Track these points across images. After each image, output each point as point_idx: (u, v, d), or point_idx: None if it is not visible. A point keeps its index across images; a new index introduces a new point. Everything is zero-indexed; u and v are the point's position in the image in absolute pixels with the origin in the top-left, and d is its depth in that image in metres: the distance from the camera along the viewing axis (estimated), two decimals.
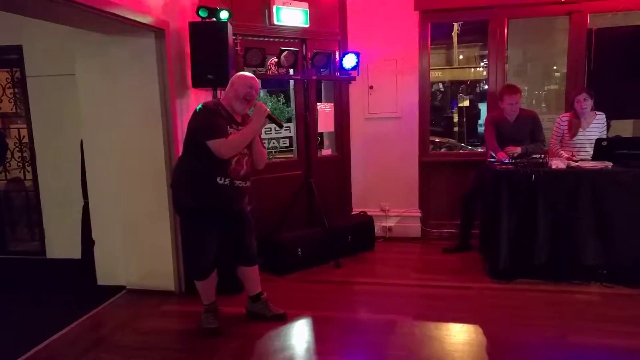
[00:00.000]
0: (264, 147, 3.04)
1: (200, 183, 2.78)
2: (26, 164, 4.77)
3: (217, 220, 2.89)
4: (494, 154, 4.08)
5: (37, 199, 4.63)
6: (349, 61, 4.46)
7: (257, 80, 2.88)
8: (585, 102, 3.90)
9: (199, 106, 2.82)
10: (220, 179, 2.77)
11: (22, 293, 3.87)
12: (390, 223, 5.00)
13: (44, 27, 3.52)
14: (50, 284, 4.04)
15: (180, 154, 3.02)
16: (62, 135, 4.33)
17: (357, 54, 4.46)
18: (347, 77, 4.64)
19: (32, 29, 4.16)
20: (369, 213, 4.80)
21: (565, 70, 4.74)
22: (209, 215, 2.85)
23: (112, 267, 3.80)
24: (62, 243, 4.51)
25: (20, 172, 4.86)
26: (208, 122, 2.72)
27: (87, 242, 3.92)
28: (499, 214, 3.64)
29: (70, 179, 4.16)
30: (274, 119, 2.93)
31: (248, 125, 2.82)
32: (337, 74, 4.69)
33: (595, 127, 4.00)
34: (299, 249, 4.10)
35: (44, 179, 4.57)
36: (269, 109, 2.84)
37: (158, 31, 3.40)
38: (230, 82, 2.87)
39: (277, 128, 4.56)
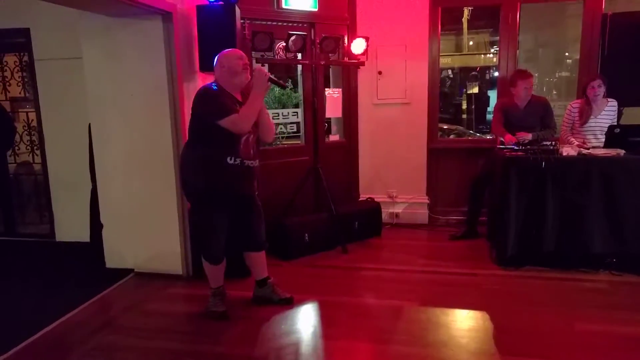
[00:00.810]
0: (271, 119, 3.00)
1: (210, 166, 2.77)
2: (35, 147, 4.80)
3: (228, 204, 2.89)
4: (501, 138, 4.03)
5: (46, 183, 4.66)
6: (358, 46, 4.41)
7: (240, 50, 2.90)
8: (599, 89, 3.84)
9: (202, 89, 2.80)
10: (231, 159, 2.76)
11: (31, 276, 3.91)
12: (398, 209, 4.98)
13: (51, 9, 3.51)
14: (59, 267, 4.08)
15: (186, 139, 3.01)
16: (70, 119, 4.34)
17: (366, 39, 4.40)
18: (355, 62, 4.60)
19: (40, 11, 4.15)
20: (376, 199, 4.79)
21: (577, 57, 4.66)
22: (220, 200, 2.84)
23: (121, 251, 3.83)
24: (71, 226, 4.55)
25: (29, 155, 4.89)
26: (216, 103, 2.70)
27: (96, 225, 3.95)
28: (508, 200, 3.62)
29: (78, 163, 4.17)
30: (275, 80, 2.87)
31: (252, 92, 2.77)
32: (346, 59, 4.64)
33: (607, 114, 3.94)
34: (306, 234, 4.10)
35: (52, 162, 4.60)
36: (268, 72, 2.80)
37: (165, 14, 3.38)
38: (218, 64, 2.82)
39: (285, 112, 4.57)
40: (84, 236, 4.22)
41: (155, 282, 3.62)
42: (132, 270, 3.80)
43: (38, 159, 4.78)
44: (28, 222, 5.02)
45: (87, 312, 3.18)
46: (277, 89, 4.71)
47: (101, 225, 3.87)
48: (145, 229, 3.69)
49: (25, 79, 4.74)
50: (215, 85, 2.81)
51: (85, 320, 3.07)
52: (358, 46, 4.41)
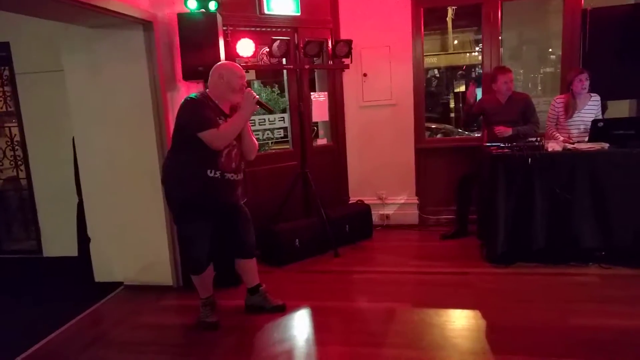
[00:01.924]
0: (255, 138, 3.00)
1: (190, 177, 2.75)
2: (19, 162, 4.73)
3: (209, 214, 2.86)
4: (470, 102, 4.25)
5: (32, 198, 4.59)
6: (342, 49, 4.42)
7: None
8: (586, 82, 3.88)
9: (186, 99, 2.78)
10: (211, 172, 2.74)
11: (19, 292, 3.85)
12: (388, 211, 4.98)
13: (30, 23, 3.48)
14: (47, 283, 4.02)
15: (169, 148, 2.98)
16: (54, 133, 4.30)
17: (350, 42, 4.41)
18: (340, 65, 4.59)
19: (19, 25, 4.11)
20: (366, 201, 4.78)
21: (560, 53, 4.70)
22: (200, 209, 2.82)
23: (109, 264, 3.78)
24: (58, 241, 4.50)
25: (13, 170, 4.82)
26: (197, 114, 2.69)
27: (83, 239, 3.90)
28: (496, 198, 3.63)
29: (63, 176, 4.13)
30: (263, 104, 2.90)
31: (238, 113, 2.79)
32: (330, 62, 4.64)
33: (590, 108, 3.98)
34: (297, 240, 4.08)
35: (37, 177, 4.54)
36: (257, 95, 2.81)
37: (146, 23, 3.35)
38: (216, 74, 2.81)
39: (271, 118, 4.56)
40: (72, 251, 4.17)
41: (145, 294, 3.58)
42: (121, 283, 3.76)
43: (22, 174, 4.71)
44: (14, 239, 4.94)
45: (77, 328, 3.13)
46: (263, 95, 4.73)
47: (88, 239, 3.83)
48: (133, 241, 3.66)
49: (7, 93, 4.68)
50: (202, 95, 2.79)
51: (75, 335, 3.02)
52: (341, 49, 4.42)
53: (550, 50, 6.93)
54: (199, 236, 2.87)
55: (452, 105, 9.77)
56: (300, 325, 3.06)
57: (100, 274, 3.83)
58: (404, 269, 3.83)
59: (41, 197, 4.54)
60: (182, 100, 2.79)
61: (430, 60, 9.26)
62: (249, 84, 2.86)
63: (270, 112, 3.26)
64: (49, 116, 4.31)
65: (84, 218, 3.84)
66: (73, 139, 3.81)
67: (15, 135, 4.68)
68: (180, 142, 2.79)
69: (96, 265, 3.83)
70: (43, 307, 3.51)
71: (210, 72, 2.85)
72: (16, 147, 4.72)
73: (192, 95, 2.80)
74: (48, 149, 4.40)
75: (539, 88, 6.92)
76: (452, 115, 9.58)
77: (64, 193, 4.26)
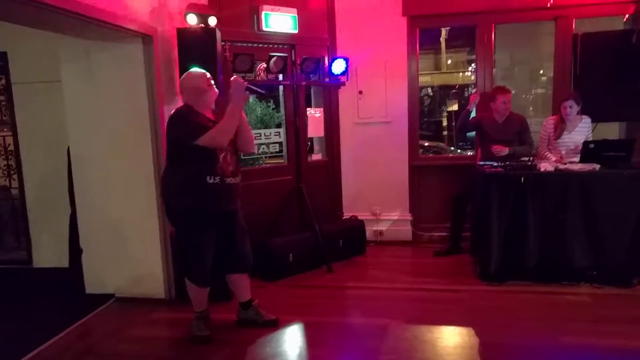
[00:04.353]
0: (250, 129, 2.98)
1: (191, 187, 2.76)
2: (12, 172, 4.70)
3: (214, 223, 2.86)
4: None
5: (24, 208, 4.56)
6: (338, 66, 4.47)
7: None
8: (570, 109, 3.96)
9: (173, 113, 2.79)
10: (211, 178, 2.75)
11: (9, 303, 3.79)
12: (382, 227, 5.00)
13: (29, 33, 3.48)
14: (37, 294, 3.97)
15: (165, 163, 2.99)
16: (48, 143, 4.28)
17: (346, 60, 4.47)
18: (336, 82, 4.65)
19: (17, 35, 4.08)
20: (359, 217, 4.80)
21: (552, 74, 4.80)
22: (205, 218, 2.82)
23: (101, 276, 3.75)
24: (49, 252, 4.45)
25: (5, 180, 4.79)
26: (188, 124, 2.70)
27: (75, 250, 3.87)
28: (490, 216, 3.66)
29: (57, 187, 4.11)
30: (254, 89, 2.84)
31: (231, 104, 2.75)
32: (327, 79, 4.70)
33: (580, 130, 4.05)
34: (290, 254, 4.08)
35: (30, 187, 4.50)
36: (245, 82, 2.77)
37: (146, 37, 3.39)
38: (182, 89, 2.87)
39: (267, 133, 4.60)
40: (63, 262, 4.13)
41: (137, 307, 3.54)
42: (112, 295, 3.72)
43: (15, 184, 4.68)
44: (4, 248, 4.88)
45: (67, 340, 3.09)
46: (259, 109, 4.74)
47: (81, 250, 3.79)
48: (126, 253, 3.63)
49: (2, 103, 4.67)
50: (186, 107, 2.80)
51: (65, 348, 2.98)
52: (338, 66, 4.47)
53: (541, 71, 7.06)
54: (205, 246, 2.86)
55: (444, 123, 9.89)
56: (292, 341, 3.04)
57: (92, 286, 3.79)
58: (397, 285, 3.84)
59: (33, 207, 4.50)
60: (171, 114, 2.80)
61: (423, 79, 9.38)
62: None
63: (264, 95, 3.16)
64: (44, 126, 4.30)
65: (76, 229, 3.81)
66: (68, 149, 3.80)
67: (9, 144, 4.66)
68: (176, 155, 2.80)
69: (87, 276, 3.79)
70: (32, 318, 3.46)
71: (179, 92, 2.88)
72: (10, 157, 4.70)
73: (178, 108, 2.81)
74: (42, 159, 4.38)
75: (530, 109, 7.03)
76: (445, 133, 9.69)
77: (56, 203, 4.24)
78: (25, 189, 4.53)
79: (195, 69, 2.90)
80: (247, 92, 2.79)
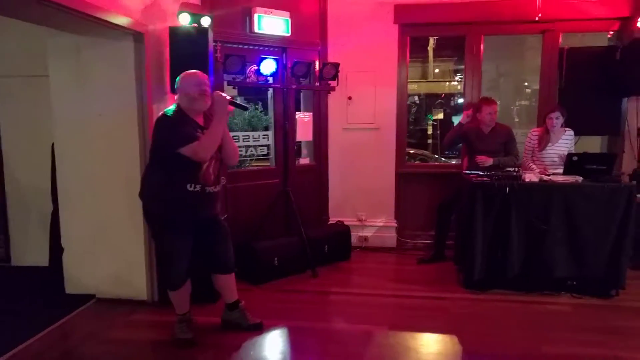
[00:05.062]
0: (234, 142, 2.97)
1: (170, 192, 2.73)
2: None
3: (189, 228, 2.84)
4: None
5: (3, 203, 4.45)
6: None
7: (201, 73, 2.84)
8: (556, 121, 4.04)
9: (160, 116, 2.74)
10: (191, 186, 2.72)
11: None
12: (367, 233, 5.02)
13: (15, 26, 3.42)
14: (15, 293, 3.87)
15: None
16: (32, 138, 4.20)
17: (337, 65, 4.49)
18: (326, 87, 4.66)
19: (3, 27, 4.03)
20: (345, 222, 4.80)
21: (536, 87, 4.89)
22: (180, 224, 2.79)
23: (82, 275, 3.67)
24: (28, 249, 4.35)
25: None
26: (175, 132, 2.65)
27: (56, 249, 3.79)
28: (474, 225, 3.70)
29: (39, 183, 4.02)
30: (236, 104, 2.84)
31: (214, 119, 2.74)
32: (317, 83, 4.71)
33: (564, 142, 4.13)
34: (276, 258, 4.06)
35: (10, 182, 4.40)
36: (228, 96, 2.75)
37: (137, 35, 3.34)
38: (177, 88, 2.81)
39: (255, 135, 4.58)
40: (42, 260, 4.04)
41: (118, 308, 3.48)
42: (93, 295, 3.65)
43: None
44: None
45: (45, 341, 3.02)
46: (246, 112, 4.72)
47: (62, 249, 3.72)
48: (108, 253, 3.57)
49: None
50: (177, 111, 2.74)
51: (43, 349, 2.91)
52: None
53: (526, 84, 7.19)
54: (179, 251, 2.83)
55: (430, 131, 10.00)
56: (276, 345, 3.03)
57: (72, 286, 3.71)
58: (381, 292, 3.85)
59: (14, 203, 4.40)
60: (158, 117, 2.75)
61: (410, 87, 9.49)
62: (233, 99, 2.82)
63: (245, 109, 3.20)
64: (28, 121, 4.21)
65: (58, 227, 3.73)
66: (52, 146, 3.73)
67: None
68: (158, 159, 2.77)
69: (68, 276, 3.72)
70: (9, 318, 3.36)
71: (176, 88, 2.84)
72: None
73: (167, 111, 2.75)
74: (24, 155, 4.29)
75: (515, 120, 7.15)
76: (430, 141, 9.79)
77: (37, 200, 4.16)
78: (6, 185, 4.42)
79: (194, 72, 2.84)
80: (230, 106, 2.76)
